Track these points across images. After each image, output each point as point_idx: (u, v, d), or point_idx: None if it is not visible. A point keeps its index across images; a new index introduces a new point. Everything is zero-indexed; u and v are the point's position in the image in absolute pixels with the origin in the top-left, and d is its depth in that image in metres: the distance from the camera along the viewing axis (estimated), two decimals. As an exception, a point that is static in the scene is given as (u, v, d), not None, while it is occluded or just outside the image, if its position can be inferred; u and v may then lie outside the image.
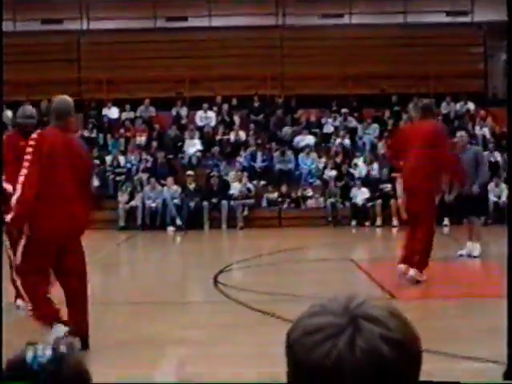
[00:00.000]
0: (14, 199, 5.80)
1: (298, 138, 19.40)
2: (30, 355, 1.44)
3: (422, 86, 19.74)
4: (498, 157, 17.69)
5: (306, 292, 8.39)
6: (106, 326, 7.31)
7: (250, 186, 17.80)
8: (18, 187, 5.74)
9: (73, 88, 18.42)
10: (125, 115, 20.34)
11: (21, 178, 5.73)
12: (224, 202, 17.24)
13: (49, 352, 1.45)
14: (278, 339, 5.72)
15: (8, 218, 5.86)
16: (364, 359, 1.10)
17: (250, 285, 8.94)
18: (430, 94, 18.40)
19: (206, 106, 20.04)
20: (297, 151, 18.96)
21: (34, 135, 6.01)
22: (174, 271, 11.63)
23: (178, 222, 17.03)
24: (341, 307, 1.16)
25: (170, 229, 16.90)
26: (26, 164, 5.76)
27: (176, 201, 17.23)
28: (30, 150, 5.83)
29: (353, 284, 9.42)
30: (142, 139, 19.42)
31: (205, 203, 17.26)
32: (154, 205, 17.15)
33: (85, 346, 5.94)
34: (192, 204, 17.29)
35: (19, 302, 7.26)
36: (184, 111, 20.39)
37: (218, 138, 19.47)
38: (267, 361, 5.62)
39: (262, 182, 18.18)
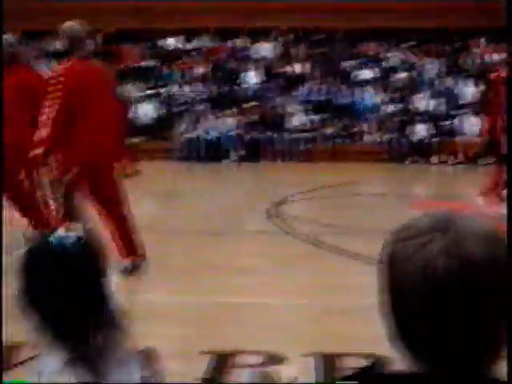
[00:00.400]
0: (40, 134, 5.97)
1: (357, 72, 19.18)
2: (54, 239, 1.61)
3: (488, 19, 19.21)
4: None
5: (362, 225, 8.43)
6: (165, 253, 7.48)
7: (308, 119, 17.74)
8: (48, 123, 5.94)
9: (131, 17, 18.43)
10: (184, 45, 20.31)
11: (50, 115, 5.91)
12: (281, 135, 17.24)
13: (73, 236, 1.60)
14: (331, 271, 5.87)
15: (35, 152, 6.04)
16: (457, 264, 1.12)
17: (305, 217, 9.01)
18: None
19: (266, 37, 19.88)
20: (356, 85, 18.76)
21: (60, 70, 6.18)
22: (231, 202, 11.75)
23: (235, 154, 17.11)
24: (437, 218, 1.18)
25: (227, 161, 17.00)
26: (54, 100, 5.92)
27: (234, 133, 17.29)
28: (57, 85, 5.99)
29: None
30: (200, 70, 19.42)
31: (262, 136, 17.28)
32: (211, 136, 17.24)
33: (137, 268, 6.19)
34: (249, 136, 17.32)
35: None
36: (244, 42, 20.27)
37: (277, 70, 19.35)
38: (320, 292, 5.71)
39: (320, 116, 18.08)
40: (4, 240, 6.32)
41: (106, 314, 1.76)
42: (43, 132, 5.97)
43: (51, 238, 1.67)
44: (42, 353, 1.76)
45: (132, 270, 6.22)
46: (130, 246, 6.35)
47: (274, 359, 4.33)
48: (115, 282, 1.80)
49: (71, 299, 1.69)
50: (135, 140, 15.56)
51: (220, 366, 4.28)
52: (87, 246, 1.71)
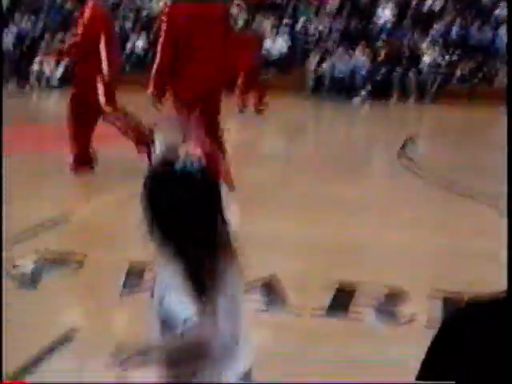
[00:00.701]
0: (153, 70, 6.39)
1: (498, 9, 18.39)
2: (179, 165, 1.77)
3: None
4: None
5: (495, 166, 8.19)
6: (290, 187, 7.57)
7: (441, 58, 17.23)
8: (157, 56, 6.37)
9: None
10: (318, -20, 20.03)
11: (158, 48, 6.36)
12: (414, 74, 16.85)
13: (195, 162, 1.77)
14: (460, 212, 5.75)
15: (149, 90, 6.38)
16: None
17: (433, 160, 8.85)
18: None
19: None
20: (496, 23, 18.01)
21: (169, 7, 6.45)
22: (358, 140, 11.68)
23: (365, 91, 16.89)
24: None
25: (357, 98, 16.81)
26: (161, 36, 6.37)
27: (364, 70, 17.04)
28: (165, 21, 6.27)
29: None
30: (333, 5, 19.14)
31: (394, 74, 16.96)
32: (342, 73, 17.07)
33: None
34: (381, 74, 17.04)
35: None
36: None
37: (411, 6, 18.82)
38: (448, 233, 5.65)
39: (455, 55, 17.52)
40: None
41: (223, 237, 1.84)
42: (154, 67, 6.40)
43: (175, 164, 1.76)
44: (161, 269, 1.85)
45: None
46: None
47: (397, 295, 4.33)
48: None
49: (194, 221, 1.79)
50: (265, 75, 15.61)
51: (343, 298, 4.32)
52: (208, 172, 1.80)
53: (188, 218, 1.79)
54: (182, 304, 1.77)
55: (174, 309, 1.77)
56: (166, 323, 1.79)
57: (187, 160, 1.78)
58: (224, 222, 1.85)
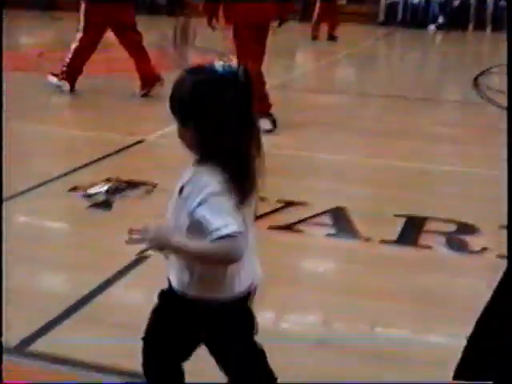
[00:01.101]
0: None
1: None
2: (222, 68, 1.82)
3: None
4: None
5: None
6: (359, 116, 7.49)
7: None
8: None
9: None
10: None
11: None
12: (491, 1, 16.31)
13: (238, 66, 1.82)
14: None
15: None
16: None
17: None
18: None
19: None
20: None
21: None
22: (432, 69, 11.44)
23: (441, 20, 16.46)
24: None
25: (431, 27, 16.41)
26: None
27: (440, -2, 16.57)
28: None
29: None
30: None
31: (471, 2, 16.44)
32: (416, 0, 16.64)
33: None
34: (457, 2, 16.54)
35: None
36: None
37: None
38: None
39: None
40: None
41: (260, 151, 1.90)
42: None
43: (218, 68, 1.79)
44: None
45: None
46: None
47: (466, 228, 4.29)
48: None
49: (238, 122, 1.84)
50: (340, 2, 15.38)
51: (413, 228, 4.30)
52: (249, 77, 1.84)
53: (234, 120, 1.83)
54: (218, 212, 1.79)
55: (210, 216, 1.80)
56: (197, 228, 1.83)
57: (229, 64, 1.83)
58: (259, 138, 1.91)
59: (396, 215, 4.45)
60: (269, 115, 6.28)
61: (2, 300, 2.69)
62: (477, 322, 1.61)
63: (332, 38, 13.79)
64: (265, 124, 6.01)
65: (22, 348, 2.90)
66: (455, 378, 1.76)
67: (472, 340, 1.65)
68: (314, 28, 13.82)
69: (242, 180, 1.84)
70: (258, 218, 1.82)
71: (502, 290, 1.41)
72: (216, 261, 1.84)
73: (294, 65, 11.87)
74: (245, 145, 1.85)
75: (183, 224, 1.90)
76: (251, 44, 6.27)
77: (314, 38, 13.79)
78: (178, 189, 1.95)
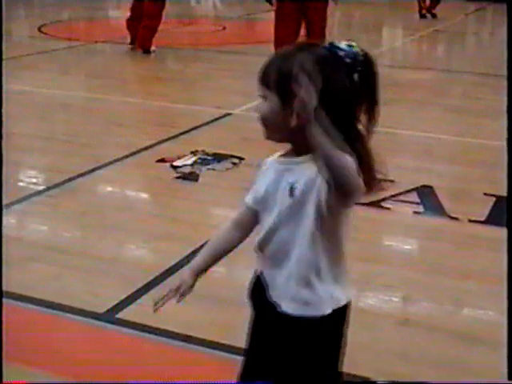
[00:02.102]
0: None
1: None
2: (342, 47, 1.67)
3: None
4: None
5: None
6: (443, 93, 7.36)
7: None
8: None
9: None
10: None
11: None
12: None
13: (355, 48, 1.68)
14: None
15: None
16: None
17: None
18: None
19: None
20: None
21: None
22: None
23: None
24: None
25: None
26: None
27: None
28: None
29: None
30: None
31: None
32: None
33: None
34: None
35: None
36: None
37: None
38: None
39: None
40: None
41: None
42: None
43: (339, 48, 1.69)
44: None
45: None
46: None
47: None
48: None
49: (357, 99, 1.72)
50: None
51: (502, 207, 4.20)
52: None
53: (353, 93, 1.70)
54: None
55: None
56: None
57: (347, 44, 1.69)
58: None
59: (485, 194, 4.35)
60: None
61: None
62: None
63: (433, 14, 13.53)
64: None
65: (110, 315, 2.96)
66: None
67: None
68: (420, 5, 13.55)
69: (370, 173, 1.72)
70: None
71: None
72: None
73: (381, 40, 11.71)
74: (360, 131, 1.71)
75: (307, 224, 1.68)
76: None
77: (423, 15, 13.51)
78: (285, 191, 1.69)
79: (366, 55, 1.69)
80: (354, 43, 1.69)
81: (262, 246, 1.78)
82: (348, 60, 1.67)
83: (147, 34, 8.69)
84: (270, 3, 6.90)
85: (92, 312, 2.95)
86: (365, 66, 1.69)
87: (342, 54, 1.67)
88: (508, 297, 1.98)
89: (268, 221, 1.74)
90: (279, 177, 1.72)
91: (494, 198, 4.29)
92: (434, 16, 13.49)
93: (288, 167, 1.72)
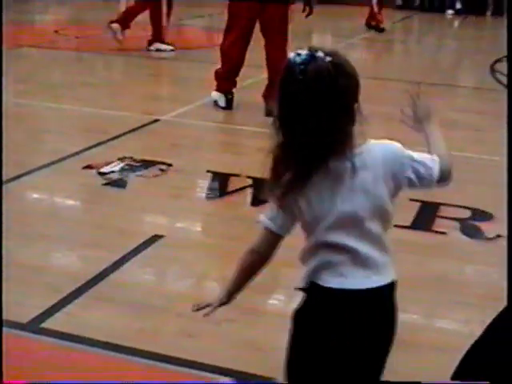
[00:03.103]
0: None
1: None
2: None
3: None
4: None
5: None
6: (376, 98, 7.45)
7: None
8: None
9: None
10: None
11: None
12: (511, -13, 16.16)
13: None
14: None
15: None
16: None
17: (528, 76, 8.53)
18: None
19: None
20: None
21: None
22: (450, 55, 11.36)
23: (459, 5, 16.33)
24: None
25: (449, 12, 16.29)
26: None
27: (459, -18, 16.42)
28: None
29: None
30: None
31: (490, -13, 16.30)
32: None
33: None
34: (476, -13, 16.40)
35: None
36: None
37: None
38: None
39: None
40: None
41: None
42: None
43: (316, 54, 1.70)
44: None
45: None
46: None
47: (481, 215, 4.27)
48: None
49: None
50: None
51: (427, 213, 4.29)
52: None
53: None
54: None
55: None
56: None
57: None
58: None
59: (411, 200, 4.43)
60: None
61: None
62: (485, 330, 1.60)
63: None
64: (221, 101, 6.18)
65: (35, 325, 2.91)
66: (453, 378, 1.75)
67: (475, 345, 1.64)
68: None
69: None
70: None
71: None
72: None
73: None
74: None
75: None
76: None
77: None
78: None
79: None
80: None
81: None
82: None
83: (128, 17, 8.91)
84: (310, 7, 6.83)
85: (15, 322, 2.89)
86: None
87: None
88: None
89: None
90: None
91: (420, 204, 4.37)
92: (382, 30, 13.07)
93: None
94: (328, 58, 1.68)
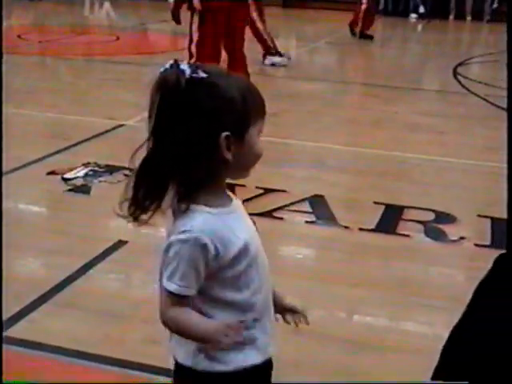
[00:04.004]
0: None
1: None
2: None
3: None
4: None
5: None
6: (338, 104, 7.49)
7: (502, -24, 16.66)
8: None
9: None
10: None
11: None
12: (472, -8, 16.35)
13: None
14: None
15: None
16: None
17: (489, 79, 8.65)
18: None
19: None
20: None
21: None
22: (413, 59, 11.46)
23: (422, 9, 16.48)
24: None
25: (413, 16, 16.43)
26: None
27: (422, -13, 16.58)
28: None
29: None
30: None
31: (452, -9, 16.46)
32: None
33: None
34: (438, -9, 16.56)
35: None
36: None
37: None
38: (496, 156, 5.54)
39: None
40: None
41: None
42: None
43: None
44: None
45: None
46: None
47: (444, 217, 4.30)
48: None
49: None
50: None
51: (391, 216, 4.31)
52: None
53: None
54: None
55: None
56: None
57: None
58: None
59: (375, 203, 4.46)
60: None
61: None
62: (451, 333, 1.60)
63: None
64: None
65: (-2, 332, 2.88)
66: (433, 378, 1.75)
67: (450, 341, 1.64)
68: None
69: None
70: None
71: (483, 292, 1.40)
72: None
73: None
74: None
75: None
76: None
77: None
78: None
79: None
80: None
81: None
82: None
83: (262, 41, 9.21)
84: None
85: (-22, 330, 2.85)
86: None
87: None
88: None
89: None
90: None
91: (384, 206, 4.40)
92: (366, 37, 12.76)
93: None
94: (189, 72, 1.47)
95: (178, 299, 1.54)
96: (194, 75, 1.47)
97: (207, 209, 1.53)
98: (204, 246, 1.50)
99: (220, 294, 1.57)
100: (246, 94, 1.51)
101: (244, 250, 1.56)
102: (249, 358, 1.63)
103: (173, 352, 1.66)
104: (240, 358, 1.61)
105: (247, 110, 1.51)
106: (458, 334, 1.42)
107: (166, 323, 1.57)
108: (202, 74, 1.47)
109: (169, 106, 1.47)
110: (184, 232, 1.50)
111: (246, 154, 1.53)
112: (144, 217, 1.57)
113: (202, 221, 1.51)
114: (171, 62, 1.49)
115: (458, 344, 1.39)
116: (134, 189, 1.55)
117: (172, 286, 1.53)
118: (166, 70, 1.49)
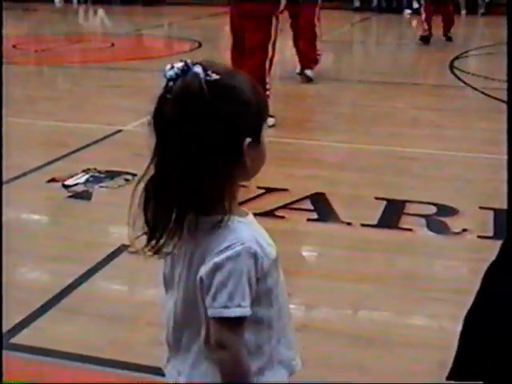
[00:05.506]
0: None
1: None
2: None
3: None
4: None
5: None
6: (336, 102, 7.49)
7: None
8: None
9: None
10: None
11: None
12: (466, -14, 16.35)
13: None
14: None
15: None
16: None
17: (486, 72, 8.66)
18: None
19: None
20: None
21: None
22: (409, 54, 11.46)
23: (416, 5, 16.47)
24: None
25: (407, 11, 16.44)
26: None
27: (415, -18, 16.58)
28: None
29: None
30: None
31: (445, -14, 16.46)
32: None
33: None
34: (431, -14, 16.56)
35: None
36: None
37: None
38: (495, 148, 5.54)
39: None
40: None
41: None
42: None
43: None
44: None
45: None
46: None
47: (446, 210, 4.30)
48: None
49: None
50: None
51: (393, 211, 4.31)
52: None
53: None
54: None
55: None
56: None
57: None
58: None
59: (376, 198, 4.46)
60: None
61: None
62: (466, 317, 1.59)
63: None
64: None
65: (4, 340, 2.87)
66: (448, 378, 1.75)
67: (463, 339, 1.63)
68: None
69: None
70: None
71: (490, 283, 1.40)
72: None
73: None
74: None
75: None
76: None
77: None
78: None
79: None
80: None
81: None
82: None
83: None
84: None
85: (-16, 338, 2.85)
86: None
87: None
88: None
89: None
90: None
91: (385, 202, 4.40)
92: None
93: None
94: (203, 75, 1.34)
95: (240, 324, 1.35)
96: (207, 78, 1.34)
97: (237, 218, 1.40)
98: (255, 256, 1.36)
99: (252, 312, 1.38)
100: (256, 93, 1.42)
101: (275, 260, 1.44)
102: (277, 376, 1.50)
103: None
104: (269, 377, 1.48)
105: (260, 111, 1.42)
106: (474, 314, 1.41)
107: (240, 364, 1.34)
108: (215, 76, 1.35)
109: (193, 115, 1.33)
110: (230, 247, 1.35)
111: (260, 156, 1.44)
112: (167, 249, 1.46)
113: (242, 230, 1.38)
114: (181, 64, 1.35)
115: (475, 324, 1.39)
116: (149, 214, 1.45)
117: (235, 312, 1.33)
118: (177, 74, 1.34)
